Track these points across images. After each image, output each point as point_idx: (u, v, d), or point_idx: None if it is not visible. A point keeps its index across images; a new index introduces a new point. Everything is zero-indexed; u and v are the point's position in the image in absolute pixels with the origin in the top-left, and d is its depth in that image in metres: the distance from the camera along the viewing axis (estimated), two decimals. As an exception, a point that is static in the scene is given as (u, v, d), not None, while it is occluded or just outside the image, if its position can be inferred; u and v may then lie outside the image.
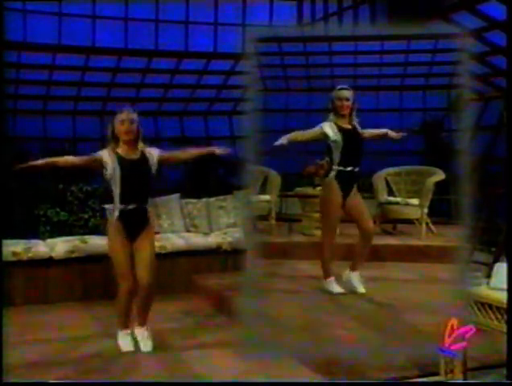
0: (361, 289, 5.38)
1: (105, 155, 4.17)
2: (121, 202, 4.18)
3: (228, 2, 11.21)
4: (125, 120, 4.15)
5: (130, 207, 4.19)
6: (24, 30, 10.04)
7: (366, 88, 11.37)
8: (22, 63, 10.26)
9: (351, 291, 5.38)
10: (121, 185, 4.16)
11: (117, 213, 4.21)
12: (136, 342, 4.33)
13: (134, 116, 4.20)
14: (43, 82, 10.96)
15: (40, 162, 4.11)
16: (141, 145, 4.24)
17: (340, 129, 5.29)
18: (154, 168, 4.23)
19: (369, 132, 5.51)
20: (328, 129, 5.29)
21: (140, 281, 4.21)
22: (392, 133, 5.63)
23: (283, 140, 5.16)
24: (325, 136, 5.29)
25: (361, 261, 5.47)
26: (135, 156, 4.19)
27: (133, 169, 4.16)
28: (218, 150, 4.40)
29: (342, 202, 5.33)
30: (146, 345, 4.30)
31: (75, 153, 10.53)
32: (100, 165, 4.17)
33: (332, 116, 5.34)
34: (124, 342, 4.34)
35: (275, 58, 11.18)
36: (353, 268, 5.43)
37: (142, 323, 4.37)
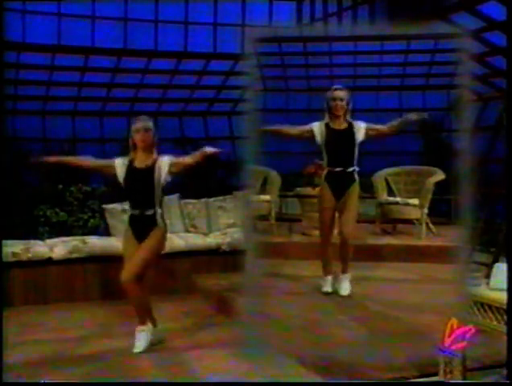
0: (343, 292, 5.29)
1: (119, 163, 4.37)
2: (130, 206, 4.40)
3: (228, 2, 11.21)
4: (140, 128, 4.33)
5: (135, 212, 4.35)
6: (24, 31, 10.03)
7: (366, 88, 11.37)
8: (21, 63, 10.25)
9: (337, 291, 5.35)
10: (127, 191, 4.38)
11: (127, 218, 4.44)
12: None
13: (149, 124, 4.36)
14: (43, 82, 10.95)
15: (62, 159, 4.72)
16: (155, 154, 4.37)
17: (330, 130, 5.25)
18: (163, 176, 4.33)
19: (375, 128, 5.24)
20: (317, 128, 5.27)
21: None
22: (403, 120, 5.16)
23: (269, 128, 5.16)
24: (312, 135, 5.27)
25: (345, 264, 5.37)
26: (145, 165, 4.33)
27: (138, 178, 4.33)
28: (209, 151, 4.29)
29: (335, 202, 5.29)
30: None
31: (74, 154, 10.62)
32: (113, 171, 4.37)
33: (326, 116, 5.31)
34: (136, 338, 4.33)
35: (275, 58, 11.18)
36: (342, 271, 5.39)
37: (140, 322, 4.36)
